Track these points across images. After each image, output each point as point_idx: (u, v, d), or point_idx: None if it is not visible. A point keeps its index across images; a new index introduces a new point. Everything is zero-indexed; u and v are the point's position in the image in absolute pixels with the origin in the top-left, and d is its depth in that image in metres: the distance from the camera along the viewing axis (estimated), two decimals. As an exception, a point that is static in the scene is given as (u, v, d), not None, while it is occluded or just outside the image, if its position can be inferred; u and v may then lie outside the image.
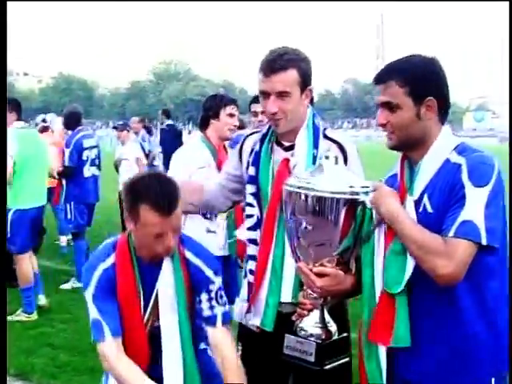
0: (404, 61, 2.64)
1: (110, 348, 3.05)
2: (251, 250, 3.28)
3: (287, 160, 3.11)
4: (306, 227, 2.65)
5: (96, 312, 3.12)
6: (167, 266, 3.10)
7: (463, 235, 2.39)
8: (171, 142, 12.75)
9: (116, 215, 11.44)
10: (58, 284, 9.19)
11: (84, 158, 9.39)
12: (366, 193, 2.62)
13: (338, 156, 2.83)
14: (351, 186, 2.63)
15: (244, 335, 3.38)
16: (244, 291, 3.34)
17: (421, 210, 2.55)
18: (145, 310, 3.17)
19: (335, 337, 2.80)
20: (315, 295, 2.75)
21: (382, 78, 2.62)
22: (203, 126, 5.18)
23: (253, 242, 3.27)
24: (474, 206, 2.41)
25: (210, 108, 5.07)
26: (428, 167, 2.58)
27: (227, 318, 3.18)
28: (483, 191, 2.42)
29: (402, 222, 2.50)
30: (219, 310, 3.13)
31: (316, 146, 3.13)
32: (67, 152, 9.32)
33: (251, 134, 3.36)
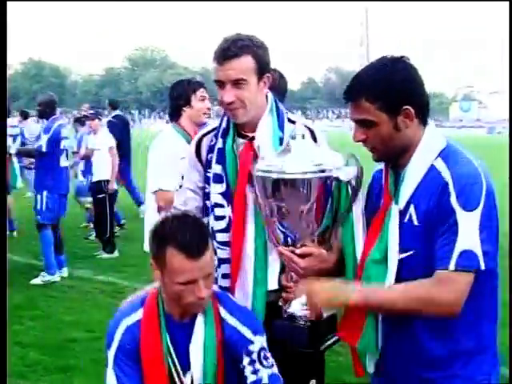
0: (371, 73, 2.57)
1: None
2: (224, 253, 3.18)
3: (250, 142, 3.08)
4: (281, 210, 2.68)
5: (114, 381, 2.86)
6: (200, 325, 2.87)
7: (465, 267, 2.40)
8: (119, 132, 12.80)
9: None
10: (28, 279, 9.21)
11: (61, 147, 9.40)
12: (338, 168, 2.65)
13: (305, 134, 2.83)
14: (320, 164, 2.64)
15: None
16: None
17: (406, 220, 2.55)
18: (179, 378, 2.89)
19: (324, 317, 2.83)
20: (297, 278, 2.80)
21: (350, 97, 2.57)
22: (175, 116, 5.08)
23: (226, 244, 3.19)
24: (469, 232, 2.40)
25: (180, 96, 4.97)
26: (413, 174, 2.56)
27: (276, 381, 2.82)
28: (475, 215, 2.41)
29: (375, 301, 2.52)
30: (265, 373, 2.80)
31: (282, 129, 3.12)
32: (45, 138, 9.22)
33: (206, 134, 3.29)
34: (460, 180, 2.45)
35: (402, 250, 2.53)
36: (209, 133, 3.28)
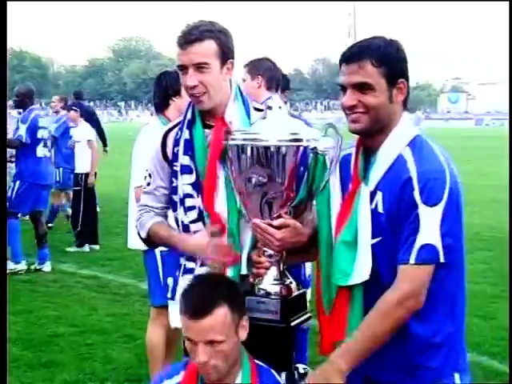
0: (376, 42, 2.61)
1: None
2: None
3: (222, 118, 3.06)
4: (256, 181, 2.72)
5: None
6: None
7: (424, 261, 2.48)
8: None
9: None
10: (12, 274, 9.07)
11: (39, 136, 9.46)
12: (316, 139, 2.72)
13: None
14: (296, 133, 2.70)
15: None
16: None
17: (373, 206, 2.59)
18: None
19: (296, 293, 2.90)
20: (271, 252, 2.84)
21: (355, 57, 2.57)
22: (162, 107, 5.05)
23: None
24: (430, 227, 2.47)
25: (170, 86, 4.95)
26: (384, 158, 2.60)
27: None
28: (437, 210, 2.48)
29: (360, 349, 2.55)
30: None
31: (248, 116, 3.11)
32: (23, 128, 9.29)
33: (172, 129, 3.27)
34: (424, 175, 2.50)
35: (372, 236, 2.58)
36: (174, 127, 3.26)
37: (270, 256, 2.87)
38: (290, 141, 2.69)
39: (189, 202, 3.11)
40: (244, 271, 3.04)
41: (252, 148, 2.70)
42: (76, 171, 10.95)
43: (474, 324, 6.86)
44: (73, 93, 15.92)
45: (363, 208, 2.58)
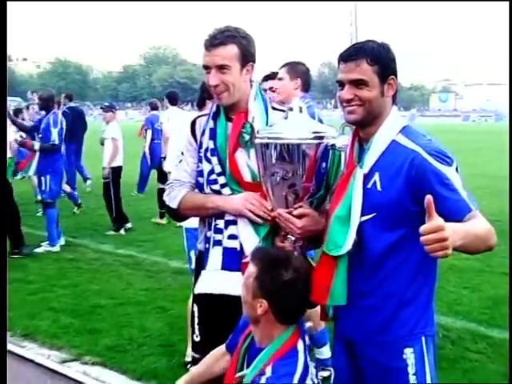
0: (371, 44, 2.65)
1: None
2: (230, 215, 3.11)
3: (245, 112, 3.08)
4: (280, 176, 2.75)
5: None
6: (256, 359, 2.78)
7: (476, 208, 2.49)
8: (72, 121, 12.75)
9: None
10: (58, 253, 9.28)
11: (63, 136, 9.71)
12: (334, 137, 2.75)
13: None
14: (317, 132, 2.72)
15: (203, 299, 3.26)
16: (217, 259, 3.14)
17: (370, 186, 2.61)
18: None
19: None
20: (293, 238, 2.85)
21: (352, 56, 2.61)
22: (200, 105, 5.17)
23: None
24: (458, 182, 2.49)
25: (205, 90, 5.03)
26: (378, 144, 2.63)
27: None
28: (453, 168, 2.50)
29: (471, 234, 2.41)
30: None
31: (266, 113, 3.12)
32: (55, 132, 9.43)
33: (199, 117, 3.31)
34: (429, 147, 2.55)
35: (364, 213, 2.59)
36: (202, 116, 3.30)
37: (294, 242, 2.88)
38: (311, 139, 2.71)
39: (219, 178, 3.10)
40: None
41: (275, 145, 2.71)
42: (103, 165, 10.89)
43: (464, 295, 6.90)
44: (64, 95, 15.92)
45: (357, 188, 2.60)
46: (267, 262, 2.76)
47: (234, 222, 3.09)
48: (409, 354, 2.65)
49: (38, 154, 9.71)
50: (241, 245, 3.07)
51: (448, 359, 5.09)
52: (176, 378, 4.69)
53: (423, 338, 2.69)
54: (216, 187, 3.11)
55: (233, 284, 3.02)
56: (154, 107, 14.81)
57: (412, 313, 2.68)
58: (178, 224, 4.84)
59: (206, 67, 3.04)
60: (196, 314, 3.31)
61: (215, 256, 3.13)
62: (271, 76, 5.18)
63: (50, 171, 9.53)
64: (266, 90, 4.85)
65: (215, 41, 2.99)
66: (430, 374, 2.69)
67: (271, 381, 2.62)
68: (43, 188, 9.57)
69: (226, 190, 3.09)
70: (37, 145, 9.52)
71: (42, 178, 9.56)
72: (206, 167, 3.13)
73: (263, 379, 2.63)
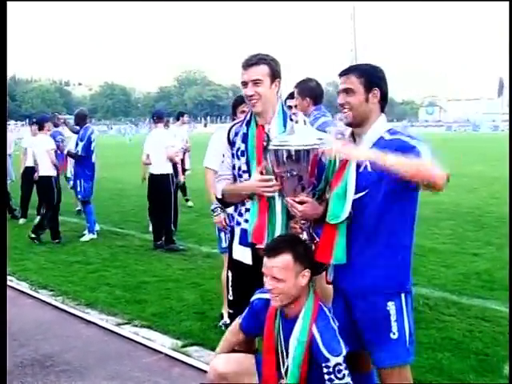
0: (360, 64, 2.99)
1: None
2: (248, 204, 3.32)
3: (262, 126, 3.28)
4: (290, 174, 2.93)
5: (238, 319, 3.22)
6: (298, 327, 2.93)
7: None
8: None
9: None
10: (111, 241, 9.44)
11: (92, 148, 9.77)
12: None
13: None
14: (320, 138, 2.91)
15: (234, 267, 3.47)
16: (237, 237, 3.38)
17: (361, 170, 2.81)
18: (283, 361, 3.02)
19: None
20: (303, 221, 3.03)
21: (345, 72, 2.91)
22: (233, 116, 5.14)
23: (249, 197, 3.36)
24: (426, 152, 2.68)
25: (232, 106, 5.14)
26: (367, 141, 2.86)
27: None
28: (423, 144, 2.71)
29: (385, 158, 2.62)
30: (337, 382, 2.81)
31: (284, 125, 3.27)
32: (81, 145, 9.68)
33: (234, 125, 3.46)
34: (407, 135, 2.78)
35: (358, 191, 2.81)
36: (236, 124, 3.46)
37: (303, 223, 3.05)
38: (311, 145, 2.88)
39: (244, 175, 3.32)
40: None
41: (283, 150, 2.90)
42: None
43: (441, 271, 7.00)
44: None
45: (352, 171, 2.81)
46: (293, 244, 2.96)
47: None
48: (391, 306, 2.85)
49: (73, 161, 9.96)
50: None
51: (426, 321, 5.23)
52: (206, 338, 4.96)
53: (403, 295, 2.88)
54: (242, 180, 3.33)
55: (246, 255, 3.32)
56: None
57: (395, 273, 2.86)
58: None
59: (245, 83, 3.24)
60: (230, 279, 3.50)
61: (237, 234, 3.38)
62: (292, 95, 5.22)
63: (85, 177, 9.76)
64: (290, 107, 4.85)
65: (251, 62, 3.20)
66: (408, 321, 2.88)
67: (320, 329, 2.88)
68: (78, 189, 9.84)
69: None
70: (66, 150, 9.79)
71: (78, 182, 9.82)
72: (236, 163, 3.34)
73: (318, 338, 2.86)
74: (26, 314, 5.94)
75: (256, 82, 3.19)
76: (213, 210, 4.75)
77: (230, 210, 3.94)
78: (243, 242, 3.33)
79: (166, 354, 4.74)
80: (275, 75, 3.25)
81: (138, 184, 11.40)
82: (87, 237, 9.64)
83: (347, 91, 2.87)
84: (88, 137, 9.68)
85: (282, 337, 3.02)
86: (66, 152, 10.19)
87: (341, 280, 2.99)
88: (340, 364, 2.81)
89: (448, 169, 2.60)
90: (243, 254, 3.36)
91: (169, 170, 9.03)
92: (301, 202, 2.96)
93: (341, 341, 2.87)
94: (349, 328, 2.99)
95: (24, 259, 8.30)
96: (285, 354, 2.99)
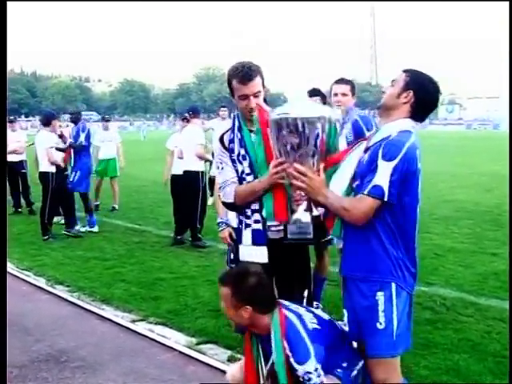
0: (418, 70, 3.02)
1: None
2: (256, 205, 3.38)
3: (260, 106, 3.37)
4: (290, 146, 2.98)
5: None
6: (274, 347, 2.93)
7: (373, 194, 2.76)
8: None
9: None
10: (127, 237, 9.47)
11: (91, 140, 10.39)
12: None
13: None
14: (319, 108, 3.02)
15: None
16: (248, 238, 3.41)
17: (361, 159, 2.93)
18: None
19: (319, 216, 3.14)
20: (303, 194, 3.04)
21: (405, 70, 3.01)
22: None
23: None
24: (383, 174, 2.74)
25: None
26: (381, 132, 2.92)
27: None
28: (390, 164, 2.74)
29: (331, 202, 2.91)
30: None
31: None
32: (83, 136, 10.04)
33: (225, 133, 3.51)
34: (390, 140, 2.80)
35: (355, 179, 2.93)
36: (226, 131, 3.51)
37: (302, 195, 3.07)
38: (308, 117, 2.93)
39: (248, 177, 3.39)
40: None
41: (286, 119, 2.94)
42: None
43: (459, 271, 6.92)
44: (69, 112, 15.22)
45: (354, 156, 2.97)
46: (235, 279, 2.99)
47: (257, 211, 3.36)
48: (380, 296, 2.86)
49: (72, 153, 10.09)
50: (263, 226, 3.35)
51: (443, 321, 5.18)
52: (221, 336, 4.95)
53: (393, 285, 2.86)
54: (245, 183, 3.39)
55: (261, 254, 3.33)
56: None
57: (386, 262, 2.86)
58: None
59: (245, 96, 3.33)
60: None
61: (247, 235, 3.40)
62: (316, 93, 5.33)
63: (82, 167, 9.99)
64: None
65: (249, 76, 3.29)
66: (397, 315, 2.87)
67: (289, 341, 2.87)
68: (71, 179, 9.93)
69: None
70: (68, 141, 9.92)
71: (74, 173, 9.96)
72: (239, 167, 3.41)
73: (288, 351, 2.85)
74: (43, 309, 5.98)
75: (256, 95, 3.33)
76: (218, 225, 4.74)
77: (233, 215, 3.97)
78: (258, 241, 3.36)
79: (181, 352, 4.74)
80: (264, 84, 3.40)
81: (155, 181, 11.45)
82: (85, 229, 9.93)
83: (393, 82, 3.01)
84: (88, 129, 10.20)
85: (261, 357, 3.07)
86: (67, 144, 10.25)
87: (341, 266, 3.08)
88: (310, 372, 2.80)
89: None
90: (257, 254, 3.36)
91: (199, 167, 8.98)
92: (302, 174, 2.99)
93: (308, 344, 2.85)
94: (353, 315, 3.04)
95: (41, 255, 8.36)
96: (265, 372, 3.05)
